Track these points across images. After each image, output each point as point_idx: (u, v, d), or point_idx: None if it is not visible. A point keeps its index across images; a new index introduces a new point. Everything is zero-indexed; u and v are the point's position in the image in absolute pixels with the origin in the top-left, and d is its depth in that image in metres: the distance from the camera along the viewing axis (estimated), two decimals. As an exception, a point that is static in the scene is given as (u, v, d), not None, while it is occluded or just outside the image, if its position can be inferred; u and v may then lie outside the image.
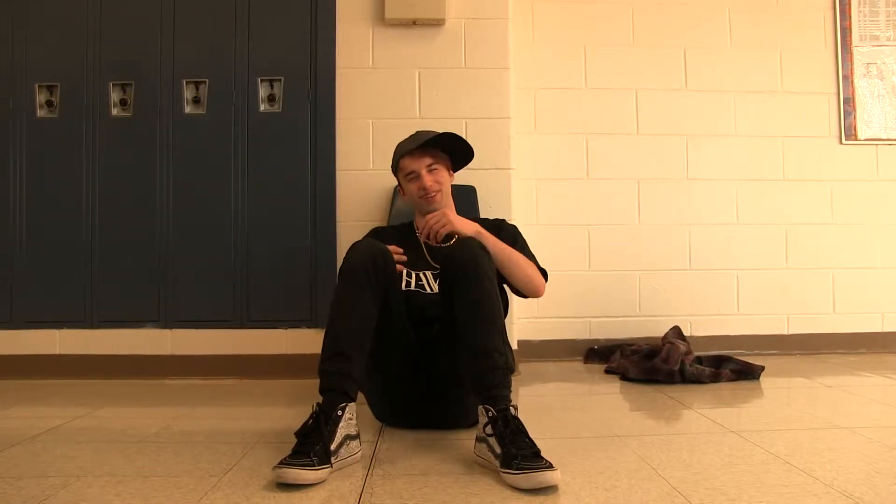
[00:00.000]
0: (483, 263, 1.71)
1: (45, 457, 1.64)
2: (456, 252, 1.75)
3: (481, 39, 2.86)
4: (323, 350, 1.66)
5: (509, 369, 1.65)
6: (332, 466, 1.48)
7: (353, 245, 1.79)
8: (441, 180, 2.05)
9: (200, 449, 1.69)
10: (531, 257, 2.16)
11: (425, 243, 2.07)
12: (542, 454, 1.42)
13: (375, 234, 2.13)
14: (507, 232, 2.13)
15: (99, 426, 1.98)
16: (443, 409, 1.87)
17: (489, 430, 1.52)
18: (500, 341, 1.66)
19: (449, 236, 1.94)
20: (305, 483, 1.42)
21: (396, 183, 2.73)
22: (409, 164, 2.03)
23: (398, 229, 2.20)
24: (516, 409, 1.56)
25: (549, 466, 1.37)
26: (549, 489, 1.35)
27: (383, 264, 1.74)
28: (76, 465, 1.56)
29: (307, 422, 1.54)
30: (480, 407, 1.58)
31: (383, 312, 1.73)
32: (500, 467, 1.43)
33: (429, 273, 2.00)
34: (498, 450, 1.47)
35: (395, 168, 2.10)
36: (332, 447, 1.50)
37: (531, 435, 1.49)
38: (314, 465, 1.42)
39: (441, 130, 2.05)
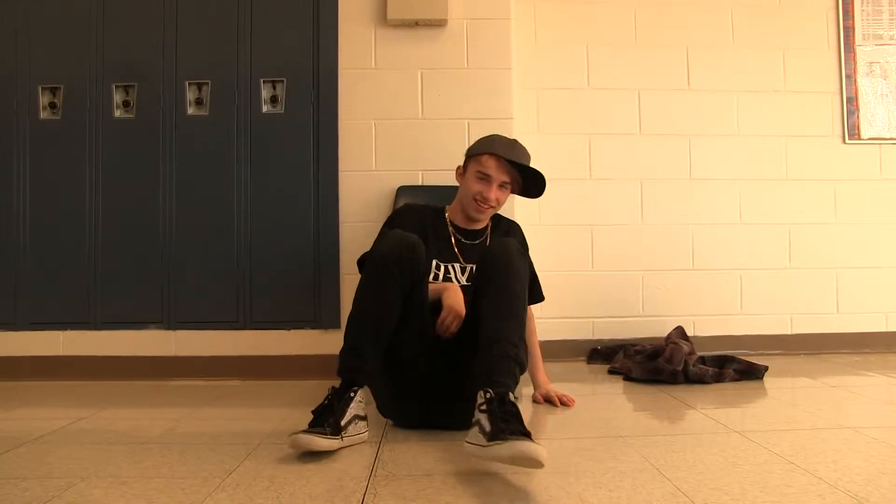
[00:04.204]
0: (517, 266, 1.74)
1: (49, 458, 1.64)
2: (494, 250, 1.78)
3: (484, 40, 2.86)
4: (345, 337, 1.75)
5: (519, 364, 1.65)
6: (342, 440, 1.61)
7: (385, 235, 1.81)
8: (502, 200, 2.08)
9: (204, 450, 1.70)
10: (534, 279, 2.18)
11: (454, 236, 2.09)
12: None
13: (407, 212, 2.13)
14: (515, 235, 2.17)
15: (103, 427, 1.98)
16: (450, 408, 1.86)
17: (483, 408, 1.51)
18: (517, 337, 1.68)
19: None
20: (317, 449, 1.56)
21: (399, 185, 2.77)
22: (491, 166, 2.02)
23: (429, 214, 2.17)
24: (518, 399, 1.56)
25: (537, 443, 1.35)
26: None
27: (410, 258, 1.74)
28: (80, 467, 1.56)
29: (323, 402, 1.68)
30: (480, 391, 1.56)
31: (411, 301, 1.76)
32: (487, 442, 1.41)
33: (456, 265, 2.03)
34: (488, 427, 1.45)
35: (475, 155, 2.07)
36: (343, 423, 1.64)
37: (533, 435, 1.48)
38: (326, 435, 1.57)
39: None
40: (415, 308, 1.79)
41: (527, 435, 1.40)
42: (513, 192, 2.12)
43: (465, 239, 2.11)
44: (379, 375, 1.82)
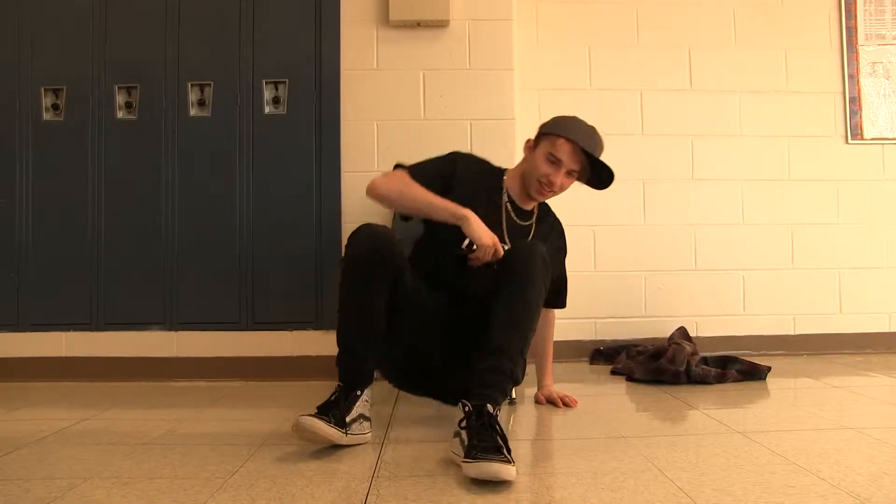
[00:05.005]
0: (537, 275, 1.71)
1: (51, 459, 1.65)
2: (520, 253, 1.75)
3: (485, 41, 2.86)
4: (337, 341, 1.75)
5: (512, 378, 1.65)
6: (346, 434, 1.58)
7: (356, 233, 1.75)
8: (565, 187, 2.02)
9: (206, 451, 1.70)
10: (564, 285, 2.17)
11: (507, 207, 2.03)
12: (511, 452, 1.43)
13: (465, 166, 2.01)
14: (553, 237, 2.14)
15: (105, 428, 1.98)
16: (449, 382, 1.86)
17: (463, 423, 1.53)
18: (517, 351, 1.67)
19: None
20: (321, 436, 1.55)
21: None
22: (565, 152, 1.94)
23: (486, 175, 2.07)
24: (500, 409, 1.57)
25: (506, 461, 1.37)
26: (502, 484, 1.36)
27: (389, 254, 1.72)
28: (83, 467, 1.56)
29: (329, 398, 1.67)
30: (461, 401, 1.58)
31: (397, 293, 1.75)
32: (462, 459, 1.43)
33: None
34: (465, 443, 1.47)
35: (548, 133, 1.98)
36: (348, 419, 1.63)
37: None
38: (331, 423, 1.55)
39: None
40: (405, 300, 1.78)
41: (499, 449, 1.41)
42: (578, 180, 2.05)
43: (516, 216, 2.04)
44: (383, 357, 1.82)
